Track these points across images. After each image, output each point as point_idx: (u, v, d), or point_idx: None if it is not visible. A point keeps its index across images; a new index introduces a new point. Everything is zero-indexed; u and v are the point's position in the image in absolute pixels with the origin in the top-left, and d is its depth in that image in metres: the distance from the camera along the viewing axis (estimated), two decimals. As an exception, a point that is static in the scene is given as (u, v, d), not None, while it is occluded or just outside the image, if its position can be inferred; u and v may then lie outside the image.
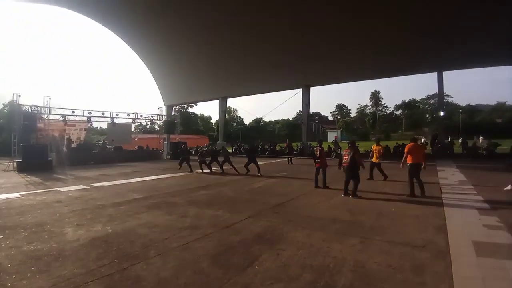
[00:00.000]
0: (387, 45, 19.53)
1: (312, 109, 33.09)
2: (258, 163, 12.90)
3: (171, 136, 28.74)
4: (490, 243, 4.09)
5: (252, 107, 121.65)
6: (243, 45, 24.05)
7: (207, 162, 13.73)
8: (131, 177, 12.43)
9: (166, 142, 27.70)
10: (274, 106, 68.47)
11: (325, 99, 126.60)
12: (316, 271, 3.31)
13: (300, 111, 29.81)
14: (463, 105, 58.28)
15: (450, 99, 57.08)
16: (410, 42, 18.83)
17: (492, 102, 62.66)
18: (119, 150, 22.50)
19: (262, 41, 22.96)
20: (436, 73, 20.45)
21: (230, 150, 25.80)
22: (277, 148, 26.49)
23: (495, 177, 8.88)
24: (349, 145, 7.86)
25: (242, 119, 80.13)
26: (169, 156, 24.90)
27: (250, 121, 76.25)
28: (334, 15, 19.21)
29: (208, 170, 13.55)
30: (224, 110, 31.62)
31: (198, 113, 79.48)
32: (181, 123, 31.89)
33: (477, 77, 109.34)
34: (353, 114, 79.19)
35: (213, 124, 72.02)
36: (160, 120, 28.00)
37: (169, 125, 27.18)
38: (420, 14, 17.26)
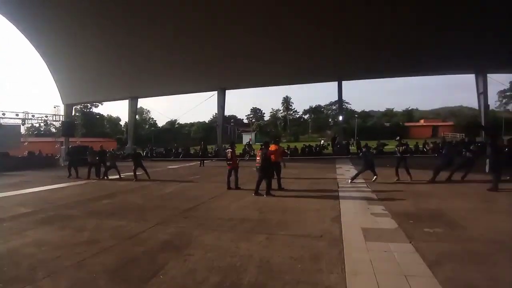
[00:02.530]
0: (295, 54, 21.19)
1: (228, 112, 33.49)
2: (171, 167, 12.48)
3: (71, 139, 25.41)
4: (376, 229, 4.72)
5: (166, 109, 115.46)
6: (156, 42, 22.71)
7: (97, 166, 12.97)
8: (19, 188, 10.57)
9: (63, 147, 24.22)
10: (190, 108, 66.51)
11: (242, 102, 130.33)
12: (223, 272, 3.33)
13: (216, 113, 29.81)
14: (359, 111, 66.91)
15: (348, 106, 65.07)
16: (314, 52, 20.84)
17: (382, 108, 73.67)
18: (4, 157, 19.08)
19: (175, 40, 22.17)
20: (337, 82, 23.12)
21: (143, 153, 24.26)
22: (191, 151, 26.00)
23: (383, 172, 10.33)
24: (262, 146, 8.19)
25: (155, 121, 75.58)
26: (67, 162, 21.90)
27: (164, 123, 72.58)
28: (247, 21, 19.87)
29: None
30: (135, 111, 29.46)
31: (105, 114, 71.80)
32: (84, 124, 28.46)
33: (370, 86, 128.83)
34: (267, 117, 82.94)
35: (123, 126, 65.99)
36: (57, 121, 24.61)
37: (68, 127, 24.14)
38: (321, 29, 19.31)
